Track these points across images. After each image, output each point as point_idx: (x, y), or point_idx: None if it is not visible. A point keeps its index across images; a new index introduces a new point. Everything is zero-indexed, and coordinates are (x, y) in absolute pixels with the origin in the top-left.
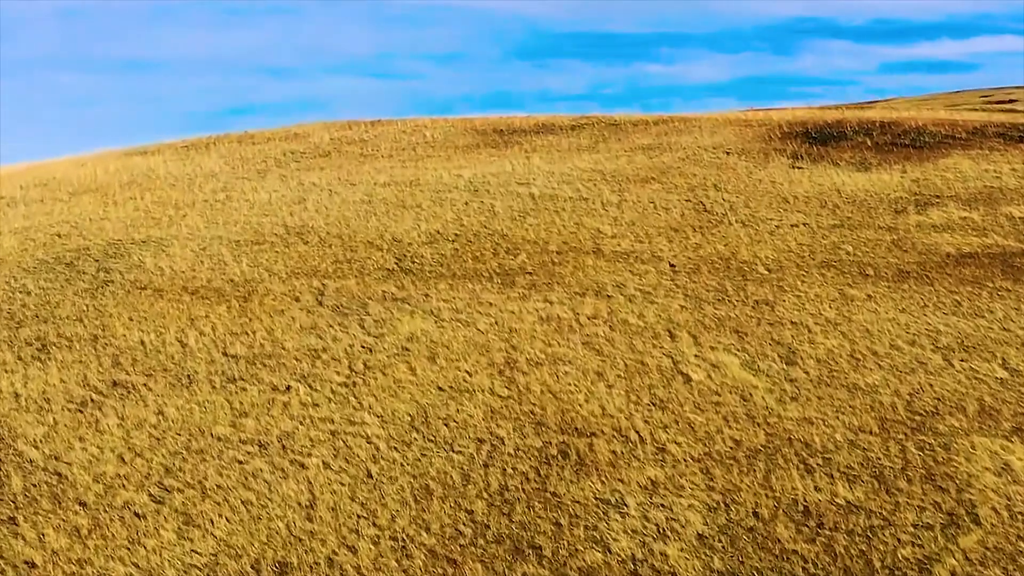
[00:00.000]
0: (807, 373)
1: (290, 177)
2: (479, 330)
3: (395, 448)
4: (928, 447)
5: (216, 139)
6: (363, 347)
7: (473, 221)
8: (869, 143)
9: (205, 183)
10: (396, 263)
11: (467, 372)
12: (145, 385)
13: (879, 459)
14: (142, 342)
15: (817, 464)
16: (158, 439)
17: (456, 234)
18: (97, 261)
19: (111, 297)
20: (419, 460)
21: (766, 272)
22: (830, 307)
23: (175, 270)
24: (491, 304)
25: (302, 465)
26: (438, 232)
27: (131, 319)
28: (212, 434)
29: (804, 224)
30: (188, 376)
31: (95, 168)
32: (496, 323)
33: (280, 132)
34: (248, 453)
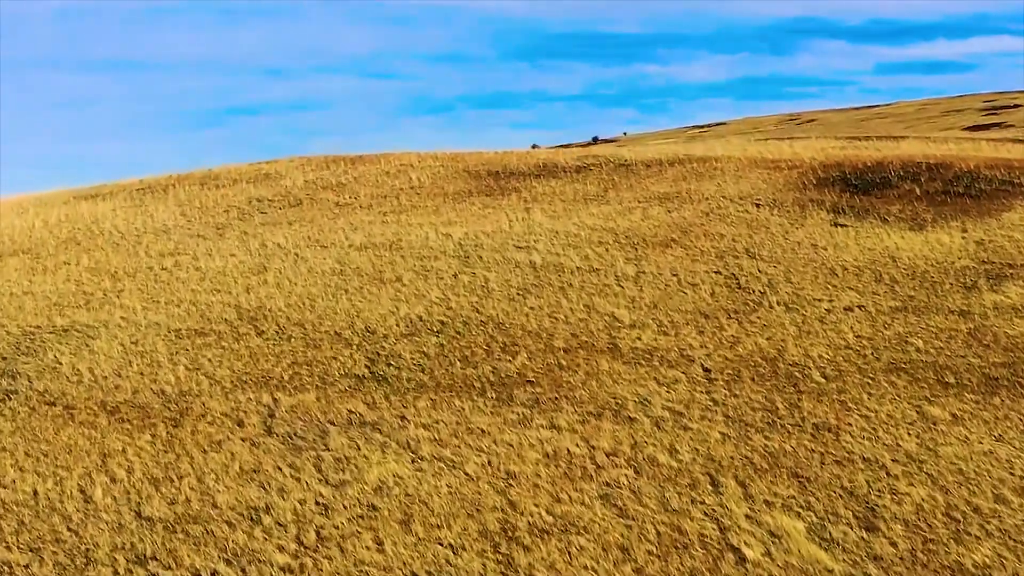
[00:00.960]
0: (895, 546)
1: (252, 236)
2: (467, 475)
3: None
4: None
5: (177, 179)
6: (318, 503)
7: (463, 302)
8: (918, 191)
9: (154, 243)
10: (367, 366)
11: (451, 547)
12: (27, 568)
13: None
14: (35, 493)
15: None
16: None
17: (442, 322)
18: (4, 360)
19: (10, 418)
20: None
21: (822, 380)
22: (908, 434)
23: (96, 375)
24: (483, 432)
25: None
26: (420, 319)
27: (27, 454)
28: None
29: (860, 307)
30: (85, 554)
31: (35, 218)
32: (489, 463)
33: (249, 171)
34: None
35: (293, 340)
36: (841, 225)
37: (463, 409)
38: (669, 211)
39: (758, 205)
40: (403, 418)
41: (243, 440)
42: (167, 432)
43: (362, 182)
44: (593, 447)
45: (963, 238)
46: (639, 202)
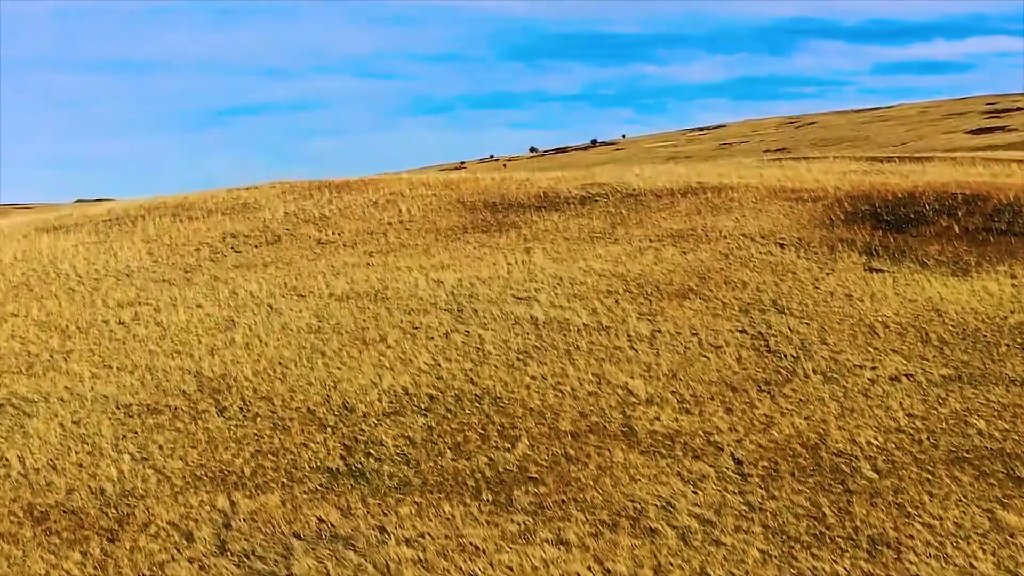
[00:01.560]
0: None
1: (223, 281)
2: None
3: None
4: None
5: (148, 209)
6: None
7: (455, 369)
8: (956, 228)
9: (114, 289)
10: (343, 455)
11: None
12: None
13: None
14: None
15: None
16: None
17: (431, 396)
18: None
19: None
20: None
21: (874, 475)
22: (982, 550)
23: (26, 467)
24: (476, 551)
25: None
26: (406, 391)
27: None
28: None
29: (907, 376)
30: None
31: None
32: None
33: (226, 199)
34: None
35: (259, 420)
36: (876, 270)
37: (453, 517)
38: (684, 252)
39: (782, 245)
40: (382, 530)
41: (191, 561)
42: (101, 549)
43: (347, 215)
44: (608, 571)
45: (1013, 286)
46: (650, 241)
